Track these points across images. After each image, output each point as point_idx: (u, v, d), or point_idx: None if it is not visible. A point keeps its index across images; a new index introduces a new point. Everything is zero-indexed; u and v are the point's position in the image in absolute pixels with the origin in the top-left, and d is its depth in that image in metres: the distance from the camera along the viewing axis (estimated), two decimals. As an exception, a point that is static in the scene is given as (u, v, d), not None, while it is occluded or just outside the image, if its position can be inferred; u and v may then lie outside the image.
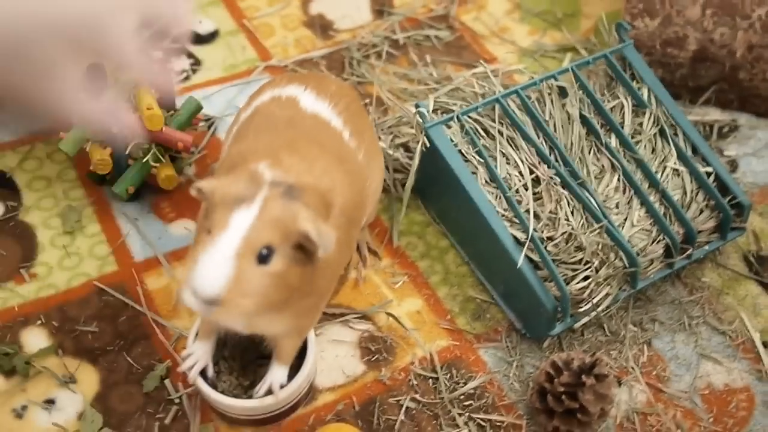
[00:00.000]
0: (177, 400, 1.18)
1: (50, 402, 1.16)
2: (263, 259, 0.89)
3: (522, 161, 1.33)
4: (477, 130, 1.36)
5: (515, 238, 1.26)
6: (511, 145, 1.35)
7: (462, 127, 1.35)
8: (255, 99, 1.20)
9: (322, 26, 1.73)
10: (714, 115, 1.68)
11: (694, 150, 1.42)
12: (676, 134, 1.43)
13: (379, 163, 1.27)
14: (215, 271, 0.86)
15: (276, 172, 0.93)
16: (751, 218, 1.50)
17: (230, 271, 0.86)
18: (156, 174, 1.36)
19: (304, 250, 0.93)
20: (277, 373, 1.10)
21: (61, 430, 1.13)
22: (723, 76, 1.65)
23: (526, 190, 1.30)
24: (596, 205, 1.30)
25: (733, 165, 1.61)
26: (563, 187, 1.31)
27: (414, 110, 1.35)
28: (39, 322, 1.24)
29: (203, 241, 0.89)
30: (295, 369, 1.15)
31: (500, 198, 1.30)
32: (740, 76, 1.64)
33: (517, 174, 1.32)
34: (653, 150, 1.41)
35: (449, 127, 1.35)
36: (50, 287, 1.28)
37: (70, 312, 1.25)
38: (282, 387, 1.10)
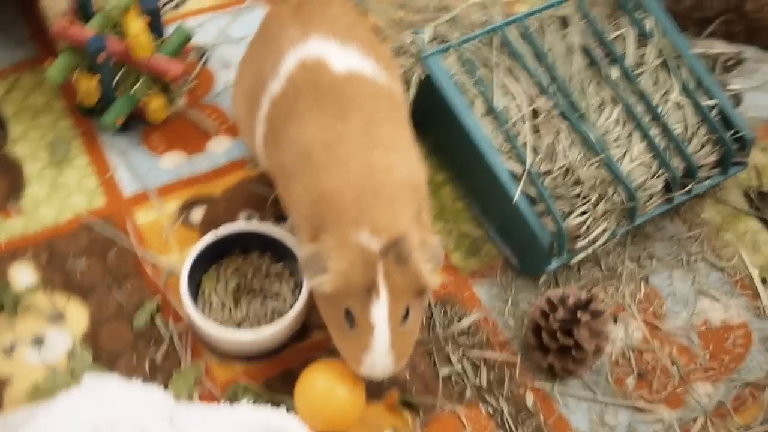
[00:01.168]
0: (168, 337, 1.16)
1: (39, 341, 1.15)
2: (404, 319, 0.99)
3: (521, 93, 1.29)
4: (476, 60, 1.33)
5: (511, 172, 1.23)
6: (510, 76, 1.31)
7: (460, 56, 1.31)
8: (276, 61, 1.11)
9: (317, -48, 1.67)
10: (719, 47, 1.63)
11: (698, 83, 1.39)
12: (679, 66, 1.39)
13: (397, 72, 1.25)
14: (383, 363, 0.99)
15: (379, 236, 0.96)
16: (753, 154, 1.47)
17: (393, 357, 0.99)
18: (145, 105, 1.32)
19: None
20: None
21: (51, 368, 1.12)
22: (730, 7, 1.60)
23: (524, 122, 1.27)
24: (595, 139, 1.26)
25: (738, 99, 1.57)
26: (562, 120, 1.28)
27: (411, 38, 1.31)
28: (27, 257, 1.22)
29: (351, 333, 0.99)
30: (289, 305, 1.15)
31: (497, 130, 1.26)
32: (747, 7, 1.59)
33: (516, 106, 1.28)
34: (656, 82, 1.37)
35: (447, 57, 1.31)
36: (38, 222, 1.26)
37: (58, 247, 1.23)
38: None
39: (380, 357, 0.98)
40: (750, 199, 1.43)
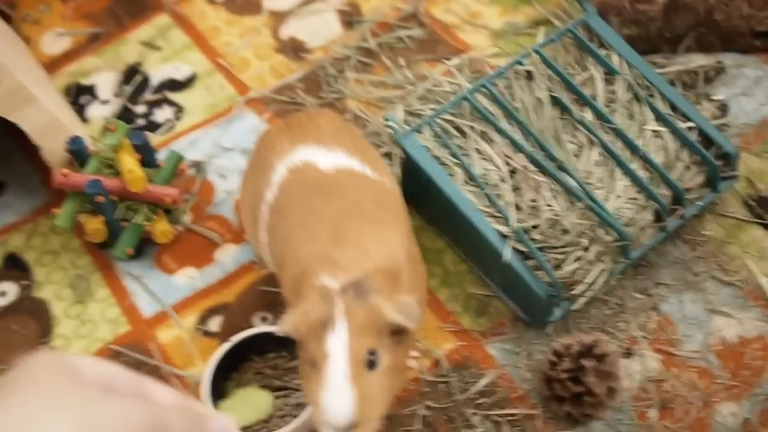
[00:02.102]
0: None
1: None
2: (372, 364, 0.94)
3: (495, 156, 1.34)
4: (450, 130, 1.38)
5: (500, 232, 1.27)
6: (484, 140, 1.36)
7: (433, 131, 1.37)
8: (268, 172, 1.18)
9: (294, 49, 1.76)
10: (698, 60, 1.65)
11: (673, 108, 1.42)
12: (651, 95, 1.42)
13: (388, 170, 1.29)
14: (340, 401, 0.91)
15: (339, 278, 0.96)
16: (747, 159, 1.49)
17: (352, 394, 0.91)
18: (151, 231, 1.40)
19: (397, 331, 0.97)
20: None
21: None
22: (699, 21, 1.62)
23: (504, 182, 1.31)
24: (576, 185, 1.30)
25: (724, 108, 1.59)
26: (542, 173, 1.32)
27: (384, 123, 1.37)
28: (67, 391, 1.30)
29: (313, 376, 0.94)
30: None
31: (480, 195, 1.31)
32: (716, 17, 1.61)
33: (494, 168, 1.33)
34: (631, 116, 1.41)
35: (421, 133, 1.37)
36: (73, 356, 1.34)
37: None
38: None
39: (336, 392, 0.91)
40: (750, 206, 1.44)
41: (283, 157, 1.18)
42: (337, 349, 0.92)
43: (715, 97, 1.60)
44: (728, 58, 1.65)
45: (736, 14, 1.61)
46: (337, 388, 0.91)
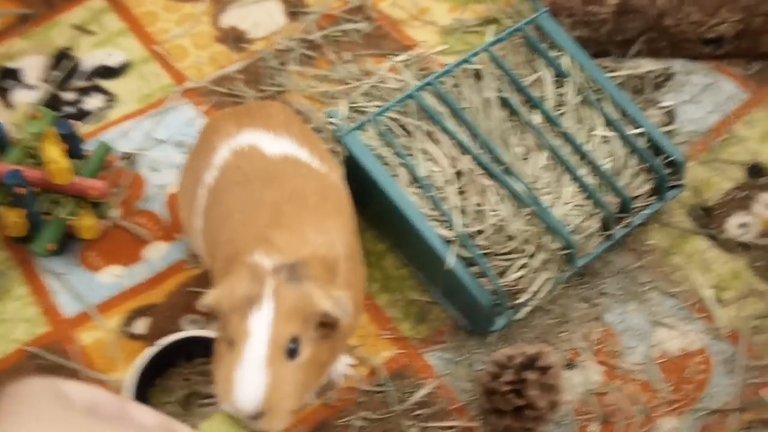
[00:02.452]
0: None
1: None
2: (292, 353, 0.87)
3: (442, 156, 1.29)
4: (395, 128, 1.33)
5: (444, 237, 1.23)
6: (430, 140, 1.32)
7: (378, 129, 1.31)
8: (210, 155, 1.12)
9: (235, 38, 1.69)
10: (647, 65, 1.63)
11: (623, 113, 1.39)
12: (600, 100, 1.39)
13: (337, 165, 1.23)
14: (251, 386, 0.85)
15: (273, 258, 0.90)
16: (693, 168, 1.47)
17: (265, 380, 0.85)
18: (76, 226, 1.32)
19: (325, 324, 0.90)
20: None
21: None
22: (649, 25, 1.60)
23: (451, 185, 1.27)
24: (523, 190, 1.26)
25: (671, 115, 1.57)
26: (489, 177, 1.28)
27: (327, 118, 1.31)
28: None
29: (227, 354, 0.87)
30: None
31: (424, 198, 1.26)
32: (666, 22, 1.59)
33: (440, 170, 1.28)
34: (579, 120, 1.38)
35: (365, 130, 1.32)
36: (-18, 359, 1.26)
37: (3, 382, 1.22)
38: None
39: (249, 373, 0.84)
40: (694, 217, 1.43)
41: (227, 139, 1.12)
42: (259, 329, 0.86)
43: (662, 104, 1.58)
44: (677, 64, 1.63)
45: (686, 20, 1.59)
46: (251, 369, 0.85)
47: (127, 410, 0.60)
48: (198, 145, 1.21)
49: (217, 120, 1.21)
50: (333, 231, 1.01)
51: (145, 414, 0.61)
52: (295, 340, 0.87)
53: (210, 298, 0.90)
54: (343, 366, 1.22)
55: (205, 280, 1.28)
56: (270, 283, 0.88)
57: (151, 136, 1.52)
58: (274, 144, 1.11)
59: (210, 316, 1.26)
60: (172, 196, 1.43)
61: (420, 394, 1.21)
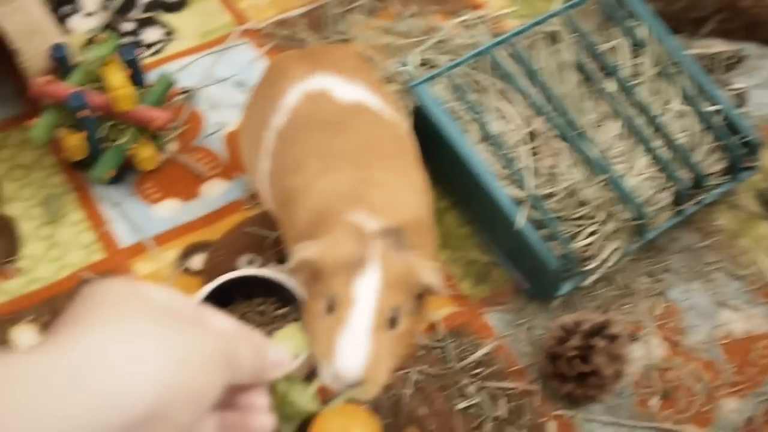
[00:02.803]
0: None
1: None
2: (393, 323, 0.84)
3: (515, 116, 1.26)
4: (466, 85, 1.29)
5: (513, 197, 1.20)
6: (503, 99, 1.28)
7: (450, 82, 1.28)
8: (277, 97, 1.08)
9: (300, -18, 1.65)
10: (718, 46, 1.58)
11: (699, 89, 1.35)
12: (678, 73, 1.35)
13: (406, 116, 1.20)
14: (354, 356, 0.82)
15: (377, 221, 0.87)
16: (763, 153, 1.43)
17: (368, 350, 0.82)
18: (135, 155, 1.29)
19: (421, 295, 0.88)
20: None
21: None
22: (725, 4, 1.56)
23: (524, 145, 1.23)
24: (597, 157, 1.23)
25: (742, 98, 1.53)
26: (562, 140, 1.24)
27: (398, 68, 1.27)
28: (28, 319, 1.19)
29: (326, 316, 0.84)
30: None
31: (495, 156, 1.23)
32: (743, 3, 1.55)
33: (512, 129, 1.25)
34: (655, 92, 1.34)
35: (436, 84, 1.28)
36: (36, 281, 1.23)
37: (59, 306, 1.20)
38: None
39: (353, 343, 0.81)
40: (764, 201, 1.39)
41: (296, 83, 1.08)
42: (367, 296, 0.82)
43: (733, 86, 1.54)
44: (749, 48, 1.59)
45: (764, 2, 1.55)
46: (356, 339, 0.82)
47: (203, 315, 0.60)
48: (262, 86, 1.17)
49: (284, 61, 1.17)
50: (419, 188, 0.98)
51: (221, 320, 0.61)
52: (396, 310, 0.84)
53: (311, 253, 0.85)
54: None
55: (263, 222, 1.25)
56: (377, 247, 0.84)
57: (211, 74, 1.49)
58: (346, 89, 1.07)
59: (268, 256, 1.24)
60: (231, 134, 1.40)
61: (479, 354, 1.18)
